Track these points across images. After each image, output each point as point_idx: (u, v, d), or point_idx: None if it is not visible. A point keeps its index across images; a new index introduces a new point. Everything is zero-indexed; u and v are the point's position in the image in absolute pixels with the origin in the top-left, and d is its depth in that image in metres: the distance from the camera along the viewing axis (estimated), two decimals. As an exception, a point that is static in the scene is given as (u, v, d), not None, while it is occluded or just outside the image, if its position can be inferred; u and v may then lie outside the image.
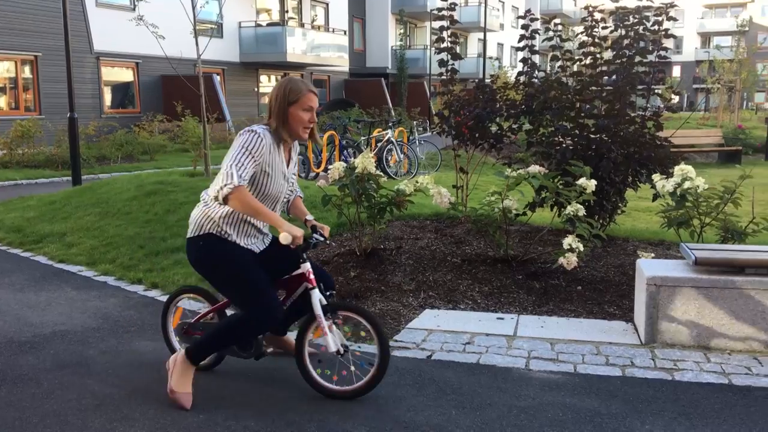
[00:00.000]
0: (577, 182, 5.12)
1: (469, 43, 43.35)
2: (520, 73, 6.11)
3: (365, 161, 5.21)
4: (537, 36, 6.05)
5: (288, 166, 3.41)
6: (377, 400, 3.33)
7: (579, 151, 6.02)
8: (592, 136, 6.07)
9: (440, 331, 4.34)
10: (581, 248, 4.85)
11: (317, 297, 3.30)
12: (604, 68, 6.03)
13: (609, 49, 5.82)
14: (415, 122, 16.46)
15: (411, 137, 15.25)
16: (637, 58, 5.76)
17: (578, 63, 6.11)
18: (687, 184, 4.92)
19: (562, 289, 5.03)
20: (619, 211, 6.56)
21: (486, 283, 5.20)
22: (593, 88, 6.09)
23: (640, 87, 5.87)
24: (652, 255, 5.34)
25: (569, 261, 4.81)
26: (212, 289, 3.83)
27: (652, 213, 8.41)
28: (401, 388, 3.48)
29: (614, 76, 5.86)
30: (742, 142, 18.12)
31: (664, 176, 5.14)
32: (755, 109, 42.66)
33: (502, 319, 4.57)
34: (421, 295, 5.01)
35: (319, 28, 29.07)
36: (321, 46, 27.65)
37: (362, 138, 13.90)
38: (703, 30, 67.12)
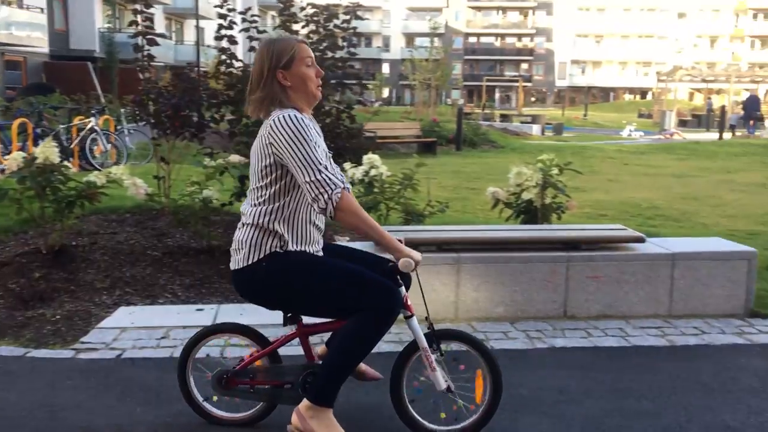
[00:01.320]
0: (274, 171, 5.27)
1: (186, 30, 41.97)
2: (219, 63, 6.09)
3: (47, 150, 4.79)
4: (235, 26, 6.07)
5: None
6: (52, 407, 3.10)
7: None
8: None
9: (134, 328, 4.17)
10: (279, 235, 5.00)
11: (418, 325, 2.74)
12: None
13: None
14: (123, 110, 15.48)
15: (119, 126, 14.35)
16: (329, 54, 6.08)
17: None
18: (373, 172, 5.34)
19: (263, 276, 5.14)
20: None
21: (188, 275, 5.12)
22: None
23: (333, 81, 6.20)
24: (348, 239, 5.72)
25: (268, 248, 4.94)
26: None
27: (355, 199, 8.98)
28: (83, 392, 3.28)
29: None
30: (437, 134, 20.15)
31: (355, 165, 5.50)
32: (452, 105, 47.69)
33: (202, 310, 4.55)
34: (117, 292, 4.77)
35: (10, 3, 25.92)
36: (14, 23, 24.71)
37: (61, 126, 12.74)
38: (407, 31, 73.15)
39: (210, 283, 4.99)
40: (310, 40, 6.08)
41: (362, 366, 3.05)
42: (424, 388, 2.84)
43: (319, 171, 2.48)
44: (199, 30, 24.88)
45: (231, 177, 5.55)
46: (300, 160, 2.50)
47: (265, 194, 2.64)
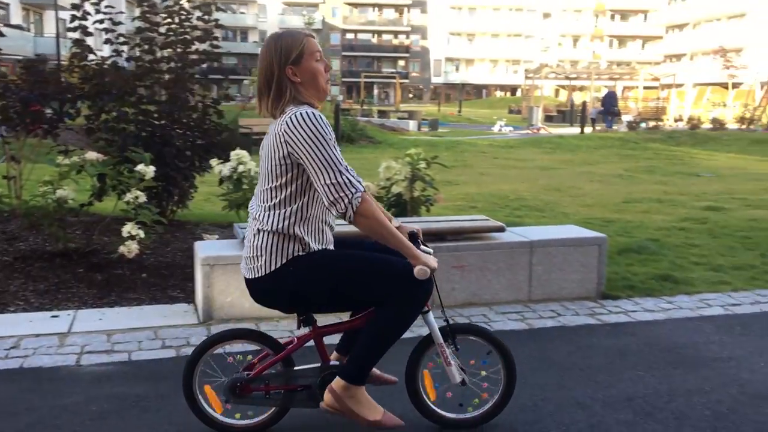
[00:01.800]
0: (135, 169, 5.06)
1: (46, 21, 39.47)
2: (73, 56, 5.77)
3: None
4: (89, 17, 5.76)
5: None
6: None
7: (144, 137, 5.96)
8: (157, 122, 6.07)
9: (-20, 339, 3.88)
10: (142, 235, 4.81)
11: (433, 320, 2.75)
12: (165, 54, 6.05)
13: (164, 36, 5.86)
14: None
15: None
16: (194, 47, 5.92)
17: (137, 48, 6.02)
18: (241, 168, 5.24)
19: (126, 279, 4.93)
20: (191, 196, 6.68)
21: (42, 280, 4.82)
22: (155, 75, 6.07)
23: (198, 76, 6.04)
24: (217, 237, 5.59)
25: (130, 249, 4.75)
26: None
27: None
28: None
29: (172, 63, 5.93)
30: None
31: (221, 161, 5.38)
32: (330, 101, 47.75)
33: (58, 316, 4.29)
34: (-40, 302, 4.41)
35: None
36: None
37: None
38: (284, 26, 72.39)
39: (67, 288, 4.72)
40: (171, 33, 5.90)
41: (376, 371, 2.94)
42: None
43: (340, 173, 2.39)
44: (58, 21, 23.49)
45: (89, 176, 5.27)
46: (320, 161, 2.40)
47: (280, 195, 2.52)
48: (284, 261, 2.54)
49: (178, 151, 5.97)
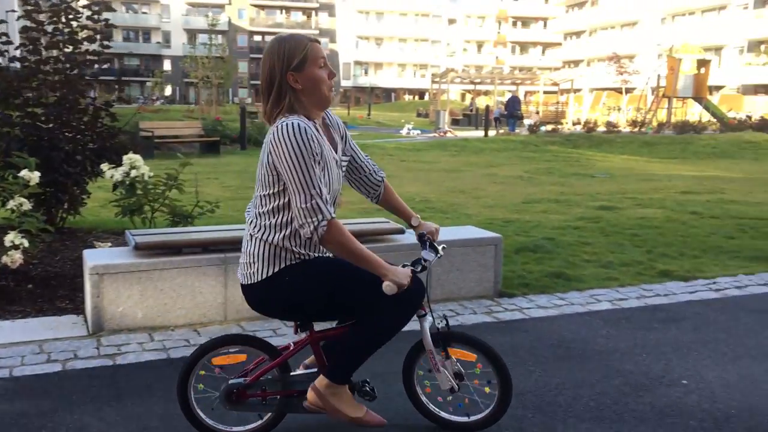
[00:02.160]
0: (19, 174, 4.80)
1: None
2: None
3: None
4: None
5: (337, 149, 2.63)
6: None
7: (30, 141, 5.68)
8: (44, 125, 5.79)
9: None
10: (26, 244, 4.58)
11: (428, 326, 2.77)
12: (53, 54, 5.79)
13: (51, 36, 5.60)
14: None
15: None
16: (84, 47, 5.69)
17: (22, 48, 5.73)
18: (134, 173, 5.07)
19: (9, 290, 4.67)
20: (83, 202, 6.41)
21: None
22: (42, 76, 5.79)
23: (89, 77, 5.81)
24: (110, 244, 5.39)
25: (13, 259, 4.51)
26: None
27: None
28: None
29: (60, 64, 5.68)
30: (220, 134, 19.72)
31: (114, 165, 5.19)
32: (239, 104, 46.98)
33: (-68, 333, 4.02)
34: None
35: None
36: None
37: None
38: (189, 26, 70.72)
39: (-57, 303, 4.42)
40: (58, 32, 5.65)
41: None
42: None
43: (311, 197, 2.38)
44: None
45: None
46: (295, 182, 2.38)
47: (270, 205, 2.50)
48: (277, 269, 2.53)
49: (68, 155, 5.72)
